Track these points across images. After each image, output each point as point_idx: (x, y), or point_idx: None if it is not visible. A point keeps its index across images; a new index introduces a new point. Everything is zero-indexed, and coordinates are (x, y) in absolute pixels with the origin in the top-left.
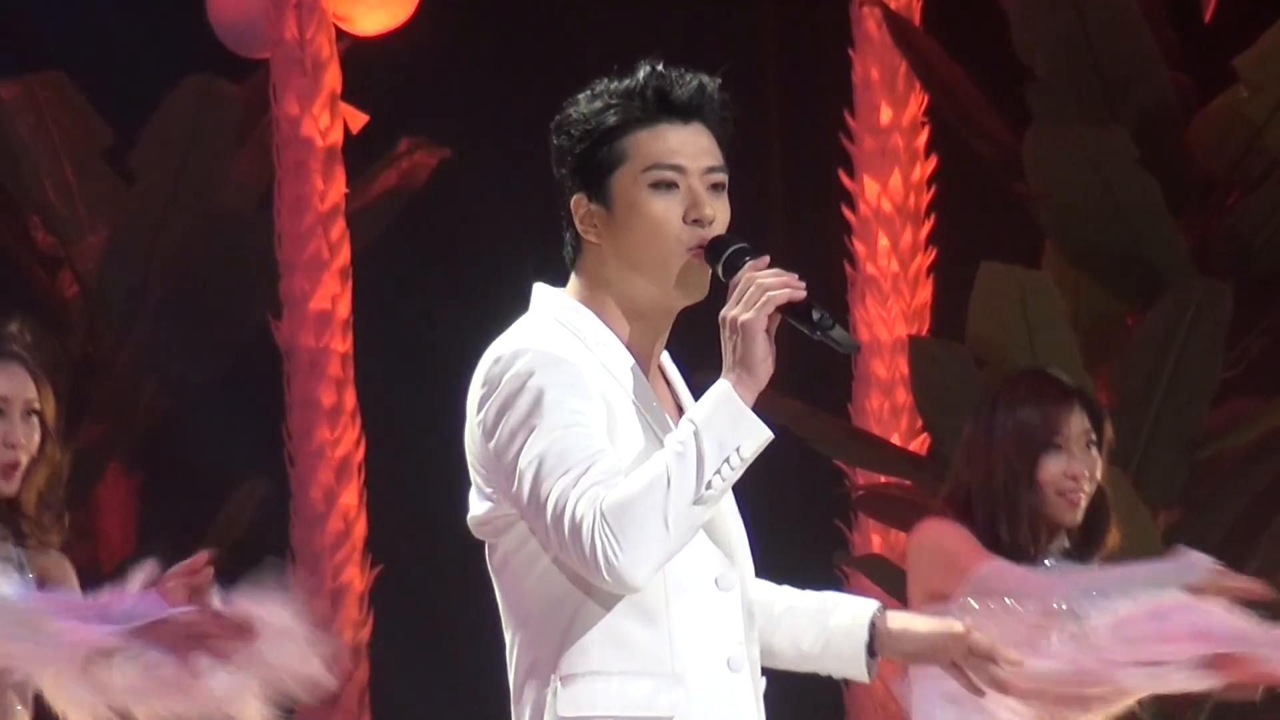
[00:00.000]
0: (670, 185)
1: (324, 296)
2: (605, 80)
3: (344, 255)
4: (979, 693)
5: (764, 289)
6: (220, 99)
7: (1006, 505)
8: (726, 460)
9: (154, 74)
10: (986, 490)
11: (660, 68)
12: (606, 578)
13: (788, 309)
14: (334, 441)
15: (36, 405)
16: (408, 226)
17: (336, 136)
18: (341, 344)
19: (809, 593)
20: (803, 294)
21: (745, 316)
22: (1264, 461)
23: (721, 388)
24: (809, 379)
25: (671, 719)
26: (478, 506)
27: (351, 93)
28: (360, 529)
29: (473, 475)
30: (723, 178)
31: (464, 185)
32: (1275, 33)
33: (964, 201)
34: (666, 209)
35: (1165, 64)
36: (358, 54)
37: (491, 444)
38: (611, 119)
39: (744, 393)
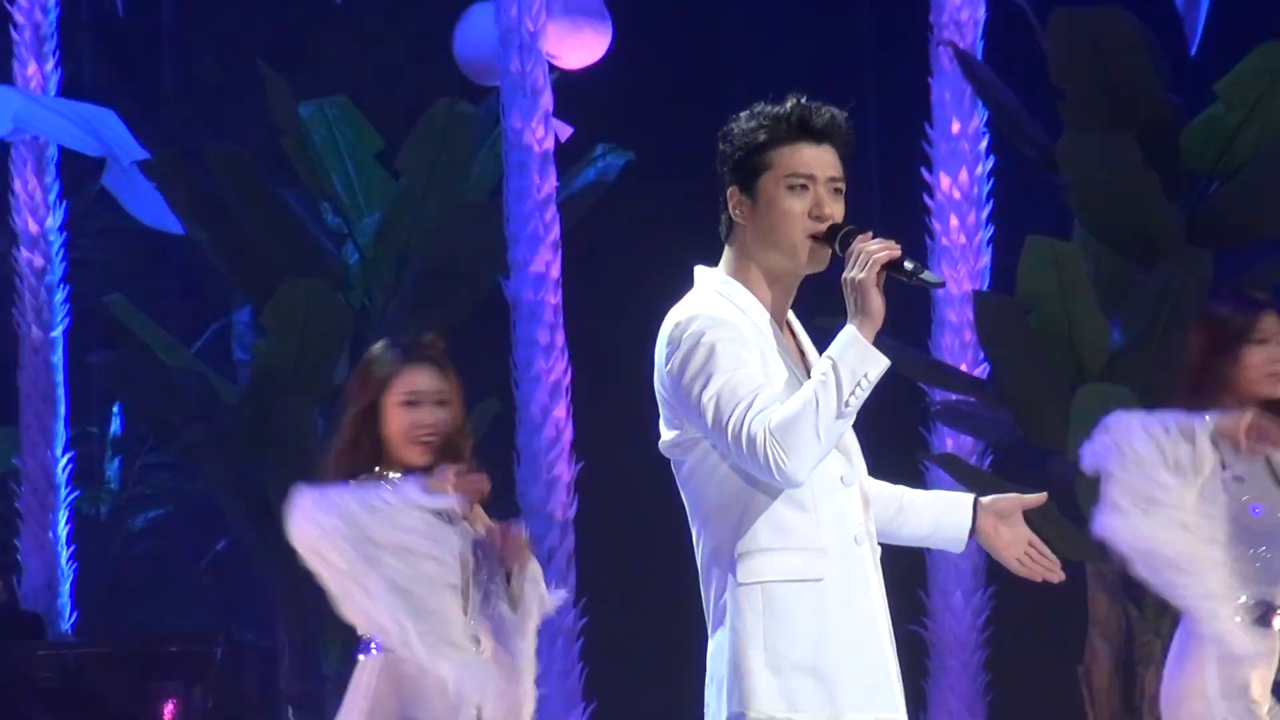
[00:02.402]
0: (803, 188)
1: (540, 262)
2: (762, 104)
3: (555, 232)
4: (1050, 576)
5: (870, 254)
6: (463, 116)
7: (1206, 376)
8: (858, 384)
9: (414, 97)
10: (1192, 364)
11: (804, 100)
12: (778, 478)
13: (888, 265)
14: (548, 369)
15: (444, 397)
16: (604, 210)
17: (549, 144)
18: (553, 297)
19: (921, 491)
20: (899, 252)
21: (859, 276)
22: None
23: (849, 331)
24: (899, 323)
25: (822, 580)
26: (667, 433)
27: (561, 110)
28: (568, 435)
29: (661, 409)
30: (842, 185)
31: (644, 180)
32: (1244, 64)
33: (1014, 190)
34: (797, 206)
35: (1162, 88)
36: (565, 81)
37: (680, 387)
38: (763, 136)
39: (866, 333)
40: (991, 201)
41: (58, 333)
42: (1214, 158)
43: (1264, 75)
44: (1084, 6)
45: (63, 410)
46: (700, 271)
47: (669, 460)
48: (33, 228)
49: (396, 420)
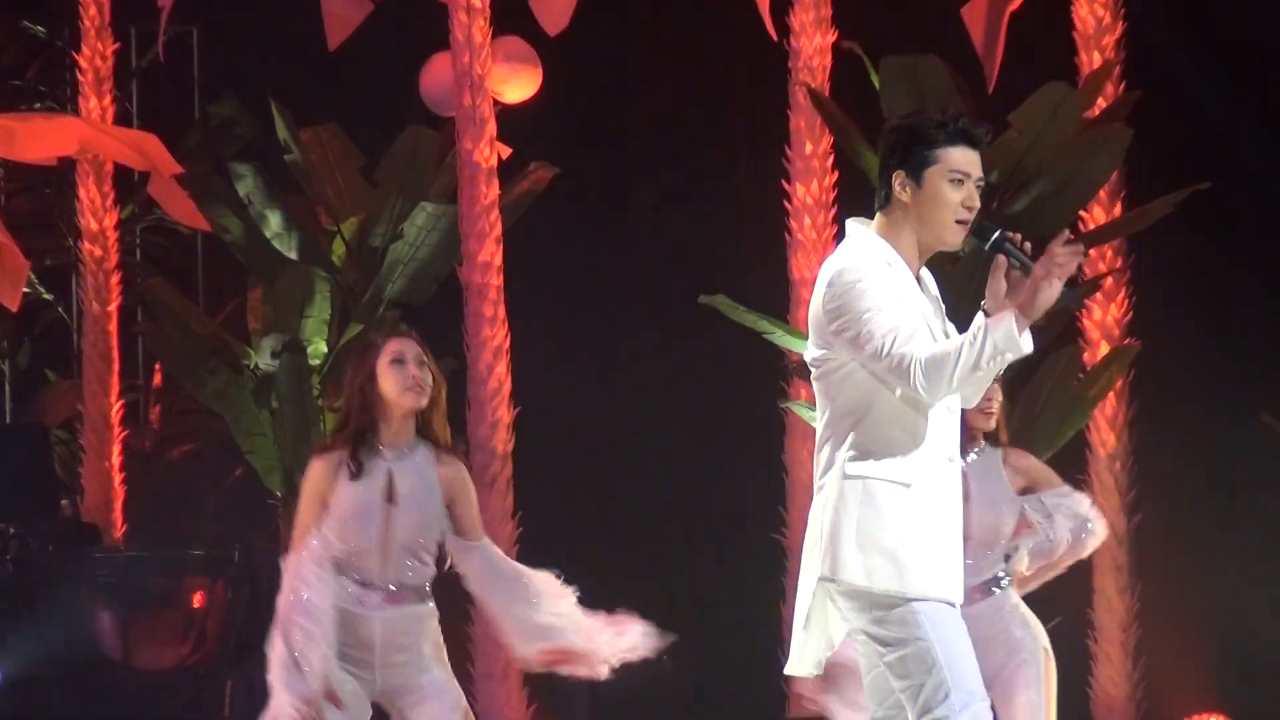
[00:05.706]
0: (960, 183)
1: (487, 253)
2: (932, 111)
3: (498, 229)
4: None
5: (1064, 267)
6: (426, 139)
7: None
8: (997, 357)
9: (389, 124)
10: None
11: (963, 115)
12: (921, 394)
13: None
14: (492, 336)
15: (424, 359)
16: (535, 213)
17: (493, 161)
18: (496, 280)
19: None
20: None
21: (1046, 278)
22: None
23: (1011, 315)
24: (768, 297)
25: (910, 485)
26: (812, 353)
27: (502, 135)
28: (507, 386)
29: (811, 334)
30: (983, 182)
31: (566, 190)
32: (1031, 100)
33: (853, 199)
34: (954, 196)
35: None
36: (506, 113)
37: (838, 320)
38: (935, 136)
39: (1022, 321)
40: (836, 206)
41: (112, 308)
42: (1008, 172)
43: (1046, 109)
44: (907, 55)
45: (116, 368)
46: (853, 225)
47: (600, 401)
48: (93, 226)
49: (388, 376)
